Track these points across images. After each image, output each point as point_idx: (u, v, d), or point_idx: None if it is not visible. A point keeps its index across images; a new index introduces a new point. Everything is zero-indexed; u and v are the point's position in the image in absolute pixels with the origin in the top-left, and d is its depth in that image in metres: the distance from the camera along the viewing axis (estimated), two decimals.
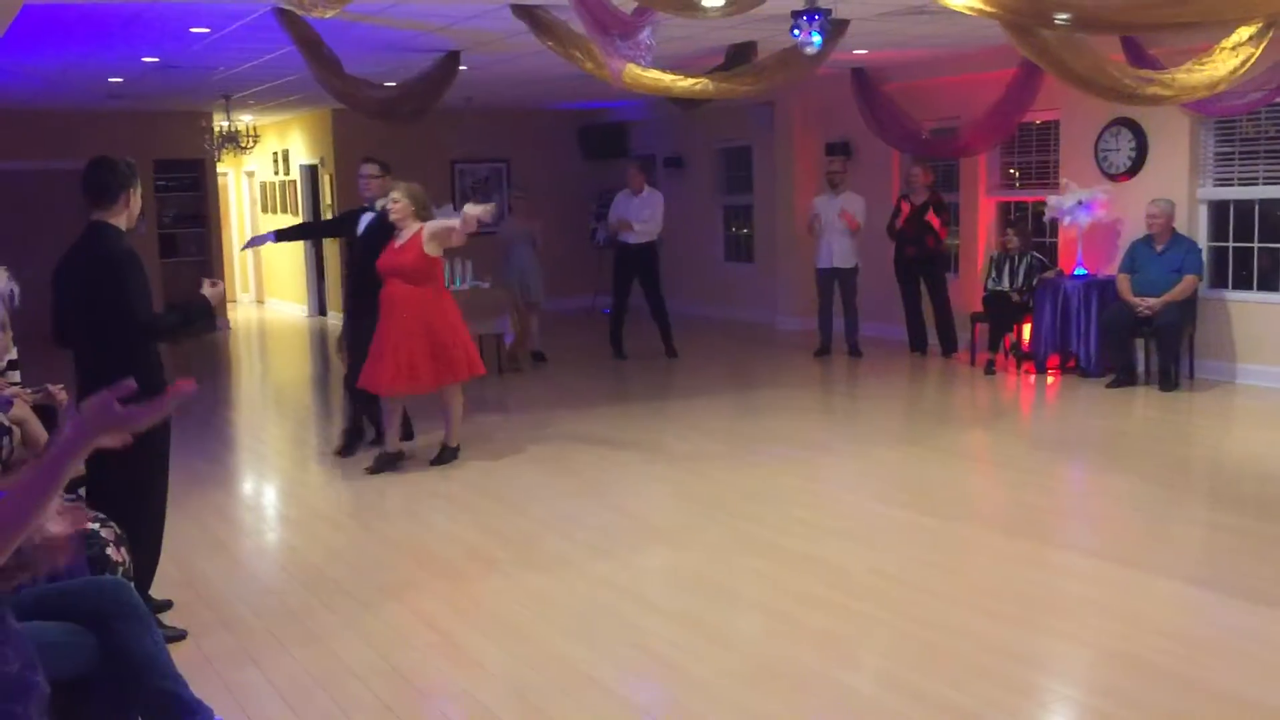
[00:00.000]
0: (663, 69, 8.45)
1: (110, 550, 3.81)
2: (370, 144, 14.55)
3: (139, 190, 4.38)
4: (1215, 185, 9.43)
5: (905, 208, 10.92)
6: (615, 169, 14.98)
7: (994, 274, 10.22)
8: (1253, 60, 7.50)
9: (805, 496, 6.36)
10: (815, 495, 6.41)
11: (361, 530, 5.93)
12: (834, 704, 3.75)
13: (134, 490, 4.29)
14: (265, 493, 7.12)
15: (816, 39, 7.04)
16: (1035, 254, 10.18)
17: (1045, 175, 10.78)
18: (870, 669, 4.03)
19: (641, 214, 11.38)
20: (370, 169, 7.71)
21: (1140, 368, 9.42)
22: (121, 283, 4.20)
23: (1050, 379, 9.70)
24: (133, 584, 3.66)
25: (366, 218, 7.46)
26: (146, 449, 4.26)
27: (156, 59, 9.81)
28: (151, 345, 4.36)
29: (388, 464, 7.01)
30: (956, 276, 11.44)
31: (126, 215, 4.35)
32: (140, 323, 4.23)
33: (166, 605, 4.64)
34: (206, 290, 4.44)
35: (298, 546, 5.79)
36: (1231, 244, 9.41)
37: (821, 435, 8.06)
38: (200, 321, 4.43)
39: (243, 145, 14.49)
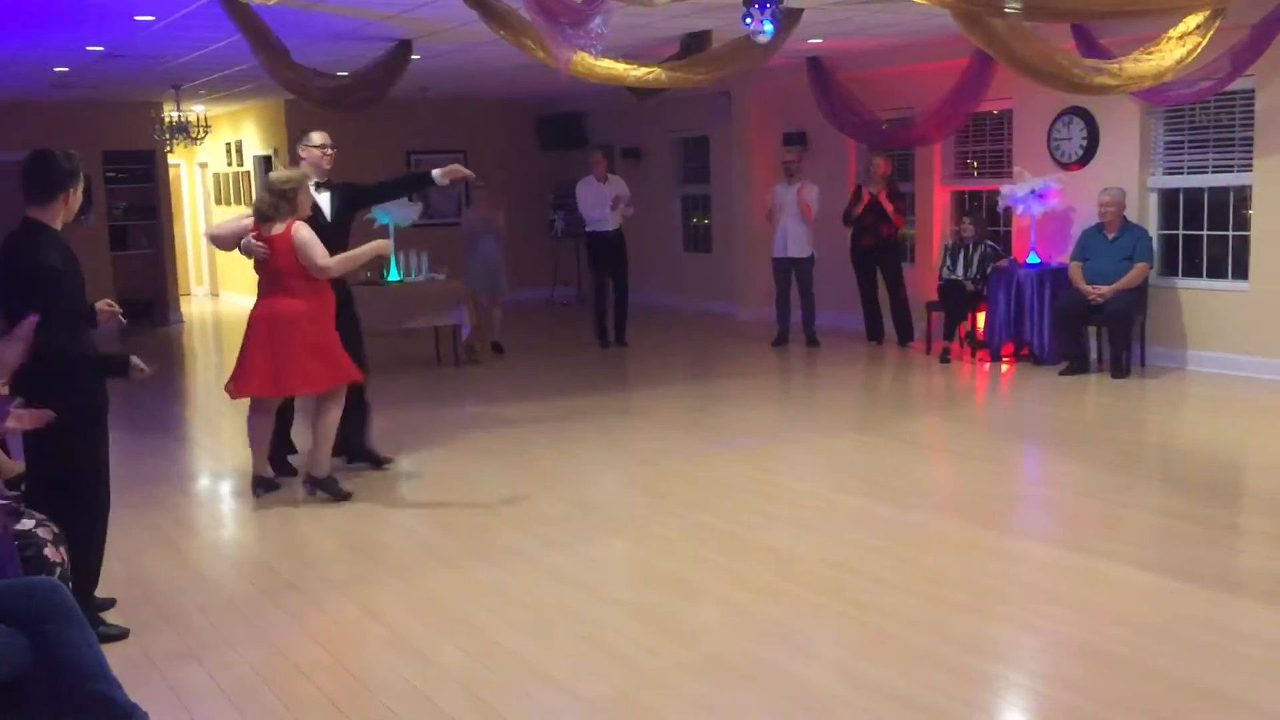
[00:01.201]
0: (616, 58, 8.41)
1: (48, 550, 3.73)
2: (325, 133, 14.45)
3: (80, 187, 4.27)
4: (1165, 174, 9.52)
5: (866, 196, 10.92)
6: (573, 160, 14.92)
7: (949, 263, 10.27)
8: (1199, 49, 7.58)
9: (760, 486, 6.35)
10: (770, 485, 6.41)
11: (313, 526, 5.86)
12: (787, 695, 3.74)
13: (73, 488, 4.19)
14: (217, 489, 7.02)
15: (768, 27, 7.03)
16: (989, 243, 10.24)
17: (999, 164, 10.84)
18: (824, 659, 4.02)
19: (615, 201, 11.32)
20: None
21: (1093, 355, 9.51)
22: (35, 299, 4.04)
23: (1005, 367, 9.77)
24: (70, 584, 3.59)
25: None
26: (82, 444, 4.19)
27: (101, 48, 9.65)
28: (73, 340, 4.20)
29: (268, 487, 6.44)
30: (912, 265, 11.50)
31: (64, 212, 4.24)
32: (54, 346, 4.07)
33: (109, 604, 4.56)
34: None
35: (248, 543, 5.72)
36: (1181, 232, 9.50)
37: (778, 425, 8.06)
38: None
39: (194, 136, 14.29)
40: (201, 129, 14.40)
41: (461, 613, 4.55)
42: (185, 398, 10.39)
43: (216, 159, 17.90)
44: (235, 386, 6.14)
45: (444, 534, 5.60)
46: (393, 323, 10.43)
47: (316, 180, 6.55)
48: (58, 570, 3.68)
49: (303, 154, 6.76)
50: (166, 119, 14.21)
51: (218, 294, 18.92)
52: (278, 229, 6.00)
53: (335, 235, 6.47)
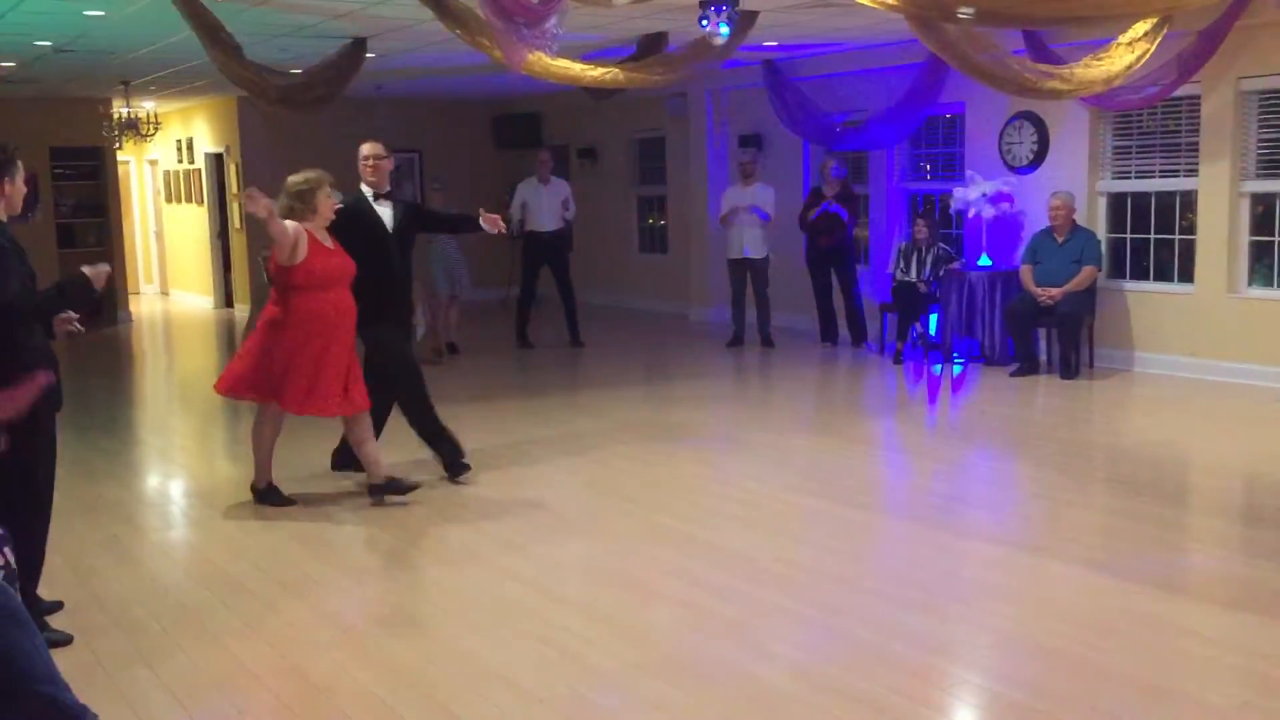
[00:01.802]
0: (573, 58, 8.41)
1: None
2: (278, 132, 14.34)
3: (18, 178, 4.20)
4: (1114, 178, 9.66)
5: (826, 200, 10.97)
6: (529, 159, 14.88)
7: (902, 265, 10.36)
8: (1148, 55, 7.71)
9: (715, 486, 6.38)
10: (725, 485, 6.43)
11: (265, 527, 5.80)
12: (742, 694, 3.76)
13: (18, 486, 4.12)
14: (167, 490, 6.93)
15: (724, 29, 7.07)
16: (942, 245, 10.34)
17: (952, 167, 10.95)
18: (780, 658, 4.04)
19: (559, 204, 11.37)
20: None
21: (1042, 356, 9.64)
22: None
23: (957, 368, 9.87)
24: (17, 585, 3.53)
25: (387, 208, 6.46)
26: (28, 442, 4.12)
27: (49, 43, 9.50)
28: (24, 332, 4.13)
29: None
30: (866, 267, 11.58)
31: (4, 204, 4.17)
32: (3, 301, 4.00)
33: (57, 606, 4.49)
34: (86, 268, 4.22)
35: (198, 544, 5.65)
36: (1129, 235, 9.65)
37: (733, 425, 8.09)
38: (76, 298, 4.22)
39: (143, 133, 14.11)
40: (151, 126, 14.22)
41: (417, 614, 4.53)
42: (134, 397, 10.26)
43: (167, 156, 17.67)
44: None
45: (398, 536, 5.57)
46: None
47: (375, 192, 6.34)
48: (2, 573, 3.61)
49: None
50: (116, 115, 14.01)
51: (168, 292, 18.68)
52: None
53: (398, 247, 6.34)
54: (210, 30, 7.60)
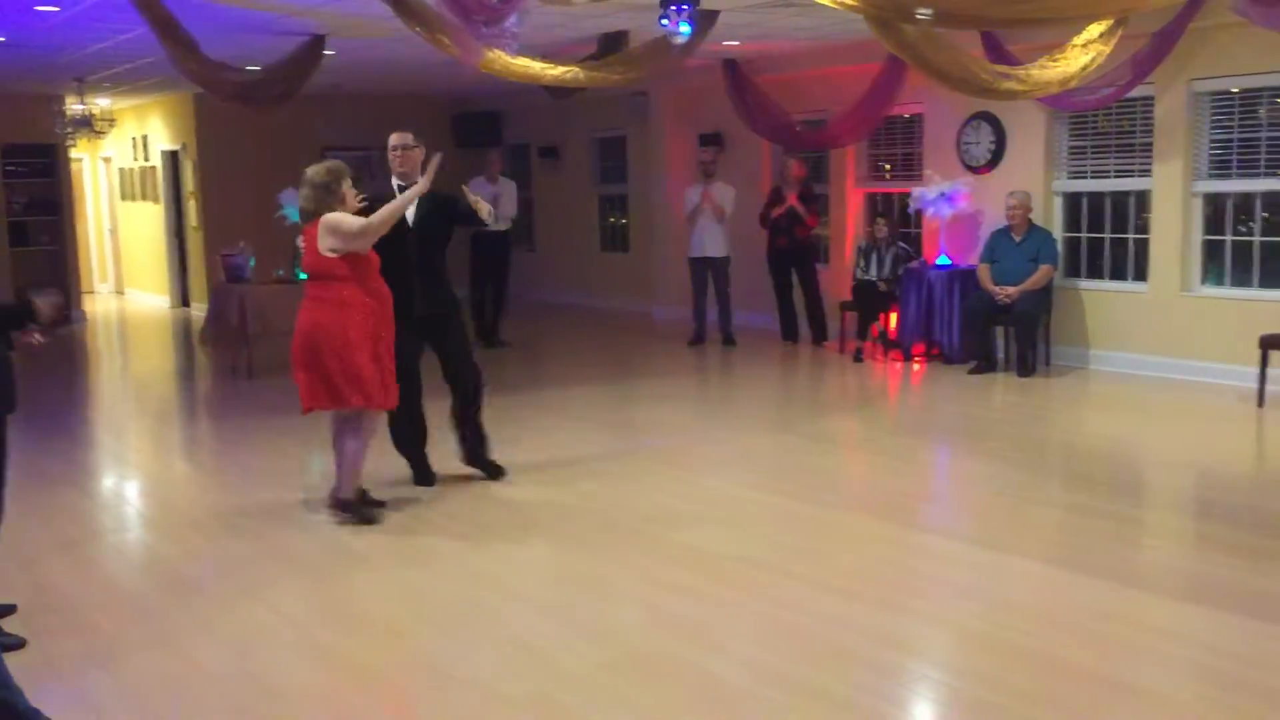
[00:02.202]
0: (534, 57, 8.39)
1: None
2: (235, 129, 14.20)
3: None
4: (1069, 178, 9.77)
5: (788, 199, 11.00)
6: (490, 158, 14.82)
7: (862, 264, 10.43)
8: (1102, 57, 7.80)
9: (677, 485, 6.38)
10: (687, 483, 6.44)
11: (223, 529, 5.74)
12: (705, 692, 3.76)
13: None
14: (122, 492, 6.85)
15: (685, 29, 7.07)
16: (901, 244, 10.42)
17: (910, 167, 11.03)
18: (741, 655, 4.05)
19: (506, 203, 11.34)
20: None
21: (1000, 354, 9.73)
22: None
23: (915, 366, 9.95)
24: None
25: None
26: None
27: (1, 38, 9.35)
28: None
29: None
30: (826, 266, 11.65)
31: None
32: None
33: (10, 609, 4.42)
34: (38, 299, 4.01)
35: (154, 546, 5.58)
36: (1085, 234, 9.76)
37: (694, 423, 8.11)
38: (22, 322, 4.10)
39: (98, 130, 13.92)
40: (106, 123, 14.04)
41: (376, 614, 4.50)
42: (88, 397, 10.12)
43: (122, 153, 17.46)
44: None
45: (357, 534, 5.53)
46: None
47: (403, 183, 5.96)
48: None
49: None
50: (69, 112, 13.82)
51: (123, 291, 18.45)
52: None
53: (418, 241, 5.97)
54: (166, 26, 7.51)
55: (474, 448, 6.42)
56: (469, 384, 6.24)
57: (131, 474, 7.22)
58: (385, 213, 5.48)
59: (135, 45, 9.59)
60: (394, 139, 6.07)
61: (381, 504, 5.86)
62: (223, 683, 3.87)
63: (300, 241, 5.71)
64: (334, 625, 4.38)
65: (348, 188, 5.54)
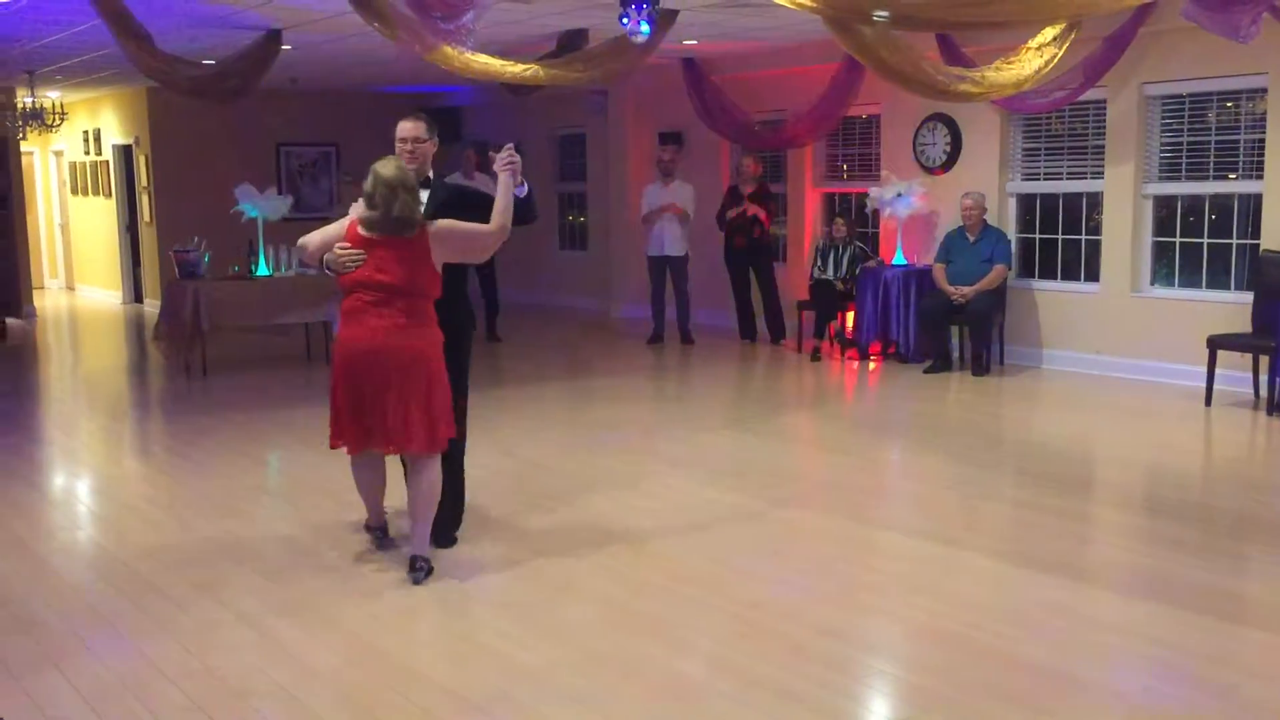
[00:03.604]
0: (493, 54, 8.37)
1: None
2: (190, 124, 14.05)
3: None
4: (1023, 179, 9.90)
5: (746, 201, 11.04)
6: (449, 155, 14.76)
7: (819, 263, 10.50)
8: (1056, 60, 7.91)
9: (635, 482, 6.40)
10: (645, 480, 6.46)
11: (177, 526, 5.69)
12: (664, 689, 3.78)
13: None
14: (73, 488, 6.76)
15: (645, 28, 7.09)
16: (858, 244, 10.51)
17: (868, 167, 11.12)
18: (699, 652, 4.07)
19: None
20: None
21: (955, 353, 9.84)
22: None
23: (872, 365, 10.04)
24: None
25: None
26: None
27: None
28: None
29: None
30: (784, 265, 11.71)
31: None
32: None
33: None
34: None
35: (107, 544, 5.52)
36: (1038, 235, 9.89)
37: (653, 421, 8.13)
38: None
39: (49, 123, 13.71)
40: (57, 116, 13.83)
41: (333, 614, 4.48)
42: (37, 394, 9.97)
43: (73, 147, 17.22)
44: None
45: (314, 534, 5.50)
46: (261, 318, 10.21)
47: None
48: None
49: None
50: (19, 105, 13.60)
51: (74, 287, 18.20)
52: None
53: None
54: (119, 19, 7.42)
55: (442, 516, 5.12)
56: (460, 418, 5.07)
57: (83, 471, 7.13)
58: (505, 209, 4.76)
59: (88, 38, 9.46)
60: (403, 128, 5.03)
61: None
62: (180, 682, 3.84)
63: (345, 254, 4.70)
64: (292, 625, 4.36)
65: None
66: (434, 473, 4.81)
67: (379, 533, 5.28)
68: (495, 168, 4.86)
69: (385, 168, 4.69)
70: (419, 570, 4.77)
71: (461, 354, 5.13)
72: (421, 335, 4.72)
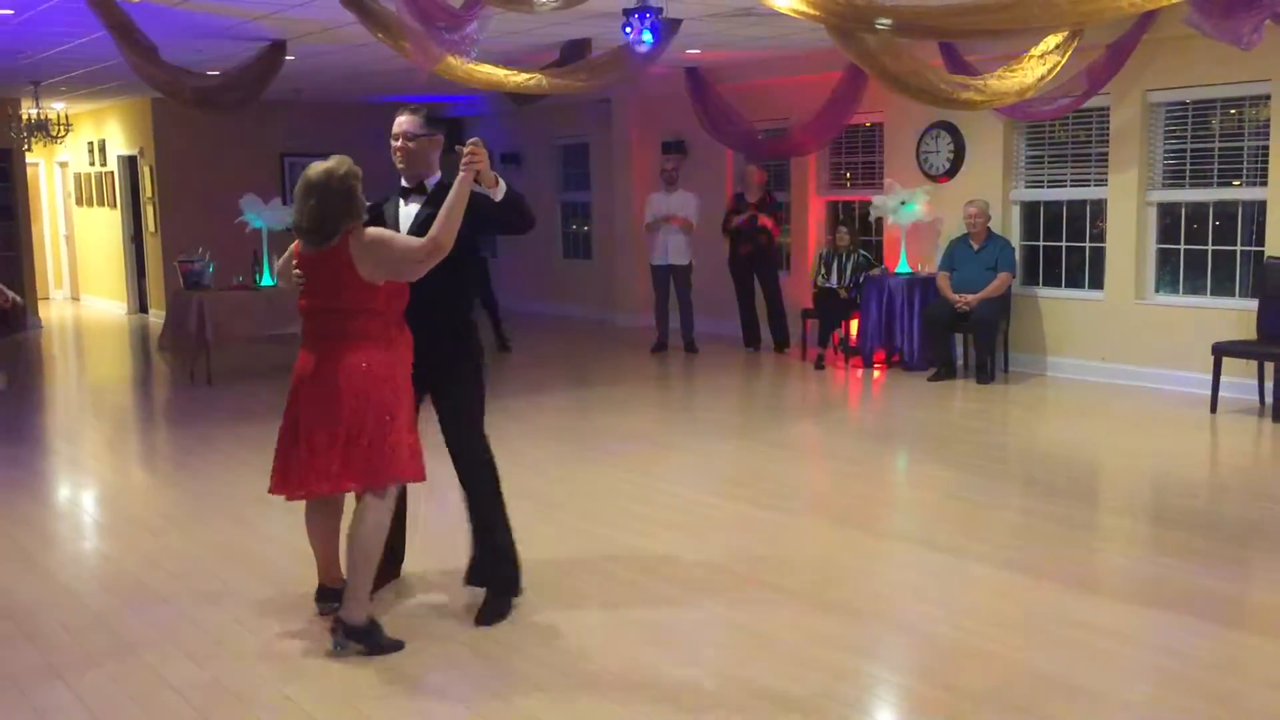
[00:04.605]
0: (497, 63, 8.39)
1: None
2: (194, 134, 14.09)
3: None
4: (1027, 187, 9.90)
5: (752, 209, 11.06)
6: (451, 164, 14.81)
7: (823, 271, 10.51)
8: (1059, 68, 7.91)
9: (640, 491, 6.40)
10: (650, 489, 6.46)
11: (181, 536, 5.70)
12: (666, 697, 3.78)
13: None
14: (79, 500, 6.77)
15: (648, 37, 7.10)
16: (862, 252, 10.51)
17: (871, 176, 11.13)
18: (702, 661, 4.07)
19: None
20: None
21: (959, 361, 9.84)
22: None
23: (876, 373, 10.03)
24: None
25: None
26: None
27: None
28: None
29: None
30: (788, 274, 11.72)
31: None
32: None
33: None
34: None
35: (112, 555, 5.53)
36: (1042, 243, 9.89)
37: (657, 430, 8.13)
38: None
39: (54, 134, 13.76)
40: (62, 127, 13.88)
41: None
42: (44, 405, 9.99)
43: (78, 158, 17.26)
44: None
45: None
46: (266, 328, 10.23)
47: (404, 185, 4.47)
48: None
49: None
50: (25, 116, 13.65)
51: (78, 298, 18.24)
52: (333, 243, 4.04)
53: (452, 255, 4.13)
54: (124, 31, 7.45)
55: (478, 566, 4.61)
56: (474, 468, 4.61)
57: (89, 482, 7.14)
58: (448, 218, 4.02)
59: (93, 49, 9.49)
60: (395, 123, 4.46)
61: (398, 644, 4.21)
62: (186, 693, 3.84)
63: (278, 261, 4.41)
64: (296, 633, 4.36)
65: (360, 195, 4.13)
66: (375, 515, 4.12)
67: (329, 602, 4.40)
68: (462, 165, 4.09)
69: (314, 167, 4.14)
70: (336, 636, 4.08)
71: (460, 389, 4.44)
72: (356, 355, 4.04)
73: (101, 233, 16.80)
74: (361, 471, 4.06)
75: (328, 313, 4.11)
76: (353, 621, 4.09)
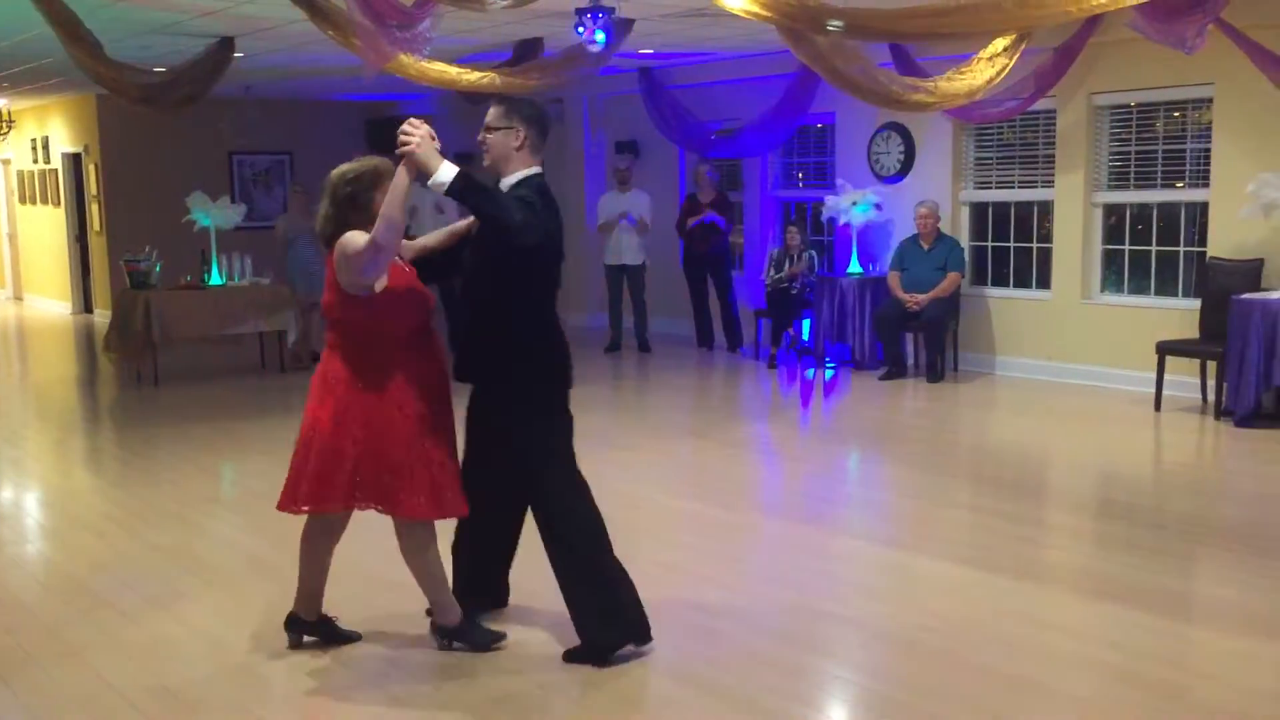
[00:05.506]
0: (449, 62, 8.35)
1: None
2: (140, 132, 13.88)
3: None
4: (976, 188, 10.01)
5: (703, 208, 11.09)
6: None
7: (774, 271, 10.55)
8: (1007, 70, 7.99)
9: (593, 490, 6.37)
10: (603, 489, 6.39)
11: (128, 539, 5.61)
12: (623, 697, 3.78)
13: None
14: (21, 502, 6.65)
15: (600, 37, 7.10)
16: (812, 251, 10.56)
17: (823, 176, 11.20)
18: (657, 660, 4.07)
19: (453, 210, 11.24)
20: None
21: (910, 360, 9.93)
22: None
23: (828, 372, 10.09)
24: None
25: None
26: None
27: None
28: None
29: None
30: (741, 273, 11.76)
31: None
32: None
33: None
34: None
35: (56, 558, 5.44)
36: (990, 243, 10.00)
37: (611, 430, 8.12)
38: None
39: None
40: (5, 124, 13.63)
41: None
42: None
43: (21, 155, 16.95)
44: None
45: (270, 546, 5.44)
46: (215, 327, 10.12)
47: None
48: None
49: None
50: None
51: (22, 298, 17.91)
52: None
53: (484, 265, 4.10)
54: (68, 27, 7.32)
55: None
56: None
57: (32, 484, 7.02)
58: (384, 216, 3.74)
59: (36, 45, 9.32)
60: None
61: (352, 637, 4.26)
62: (134, 697, 3.78)
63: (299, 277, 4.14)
64: (248, 639, 4.31)
65: (381, 196, 3.88)
66: (405, 543, 4.12)
67: (297, 632, 4.18)
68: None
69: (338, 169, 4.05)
70: (437, 638, 4.14)
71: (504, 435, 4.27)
72: (334, 365, 3.96)
73: (46, 231, 16.52)
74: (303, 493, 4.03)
75: (331, 323, 4.02)
76: (448, 624, 4.15)
